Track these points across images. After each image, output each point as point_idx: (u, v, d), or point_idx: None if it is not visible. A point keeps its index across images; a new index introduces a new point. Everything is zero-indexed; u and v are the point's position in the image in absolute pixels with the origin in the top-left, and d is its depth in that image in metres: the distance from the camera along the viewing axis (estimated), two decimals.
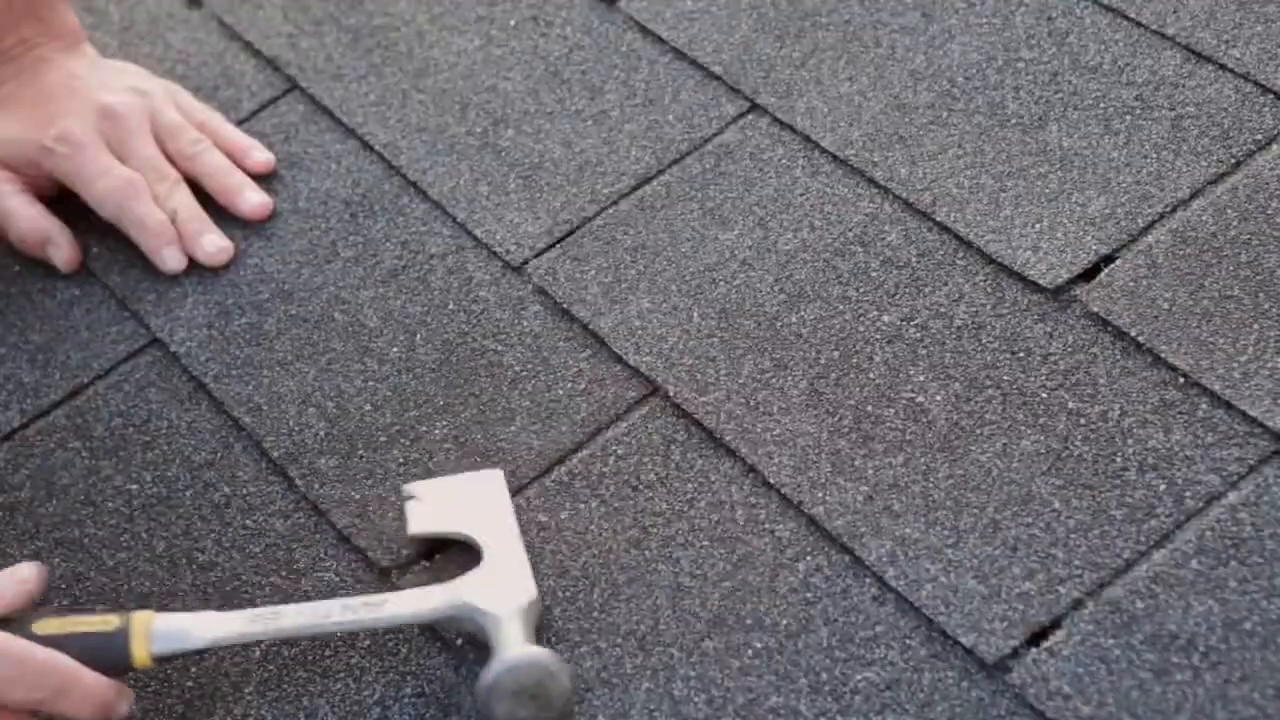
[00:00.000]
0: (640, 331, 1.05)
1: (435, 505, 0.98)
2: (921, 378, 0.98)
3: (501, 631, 0.90)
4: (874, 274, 1.04)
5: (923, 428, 0.96)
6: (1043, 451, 0.94)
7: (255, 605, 0.96)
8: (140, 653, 0.90)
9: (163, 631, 0.91)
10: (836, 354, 1.00)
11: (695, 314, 1.04)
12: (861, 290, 1.03)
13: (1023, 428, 0.95)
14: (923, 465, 0.95)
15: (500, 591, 0.92)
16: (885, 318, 1.02)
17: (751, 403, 0.99)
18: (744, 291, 1.05)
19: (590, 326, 1.06)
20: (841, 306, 1.03)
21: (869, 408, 0.98)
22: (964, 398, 0.97)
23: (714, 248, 1.08)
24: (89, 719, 0.88)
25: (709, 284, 1.06)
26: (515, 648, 0.88)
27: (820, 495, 0.94)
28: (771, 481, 0.96)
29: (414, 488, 0.99)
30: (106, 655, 0.90)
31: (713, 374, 1.01)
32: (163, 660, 0.91)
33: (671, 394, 1.01)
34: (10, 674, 0.87)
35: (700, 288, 1.06)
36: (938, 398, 0.97)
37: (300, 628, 0.92)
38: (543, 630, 0.93)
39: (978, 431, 0.95)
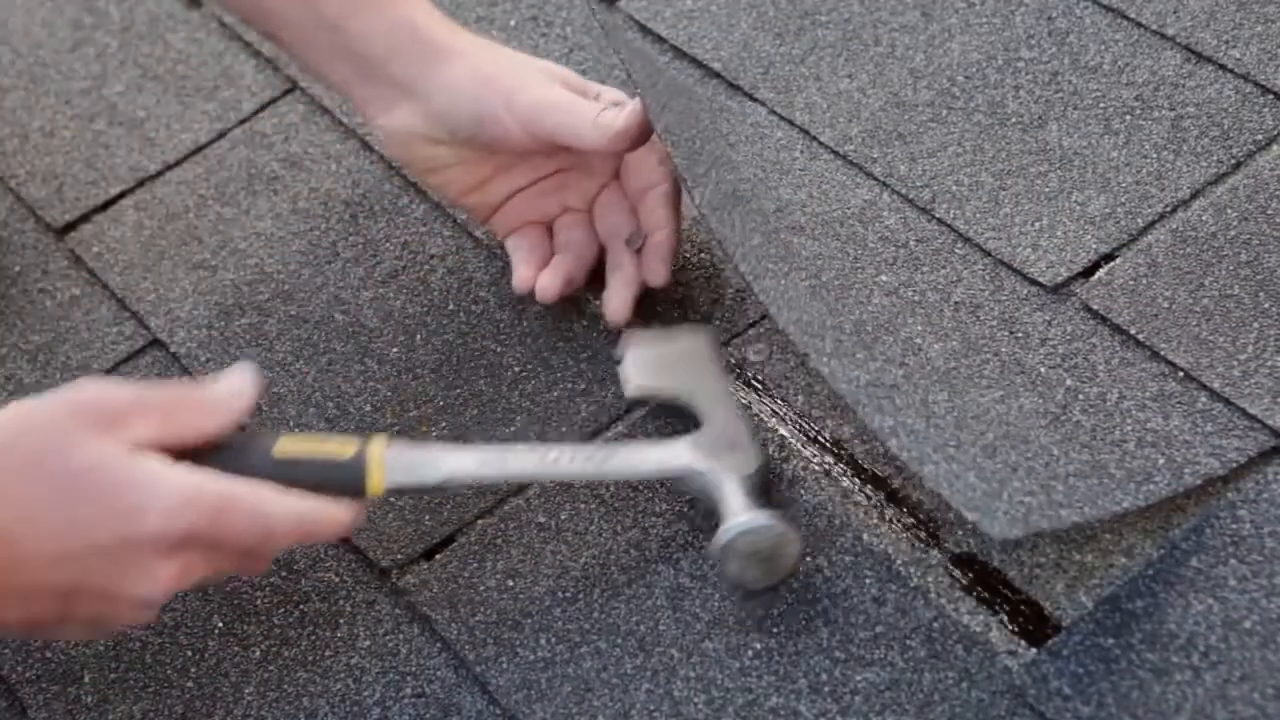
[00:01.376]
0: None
1: (648, 365, 1.00)
2: (919, 328, 0.98)
3: (732, 494, 0.92)
4: (871, 245, 1.04)
5: (921, 361, 0.96)
6: (1040, 411, 0.94)
7: (256, 604, 0.97)
8: (375, 482, 0.91)
9: (396, 463, 0.91)
10: (836, 283, 1.00)
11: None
12: (859, 253, 1.03)
13: (1020, 390, 0.95)
14: (921, 385, 0.94)
15: (728, 455, 0.94)
16: (882, 277, 1.02)
17: (761, 253, 0.98)
18: (747, 192, 1.04)
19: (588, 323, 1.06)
20: (839, 257, 1.03)
21: (869, 328, 0.97)
22: (961, 354, 0.97)
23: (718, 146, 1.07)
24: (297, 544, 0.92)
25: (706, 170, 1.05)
26: (749, 512, 0.90)
27: (825, 360, 0.91)
28: (780, 326, 0.93)
29: (623, 349, 1.01)
30: (342, 482, 0.90)
31: None
32: (396, 492, 0.92)
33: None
34: (240, 527, 0.86)
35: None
36: (935, 347, 0.97)
37: (527, 472, 0.94)
38: (769, 491, 0.95)
39: (975, 381, 0.95)
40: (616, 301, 1.04)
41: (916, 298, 1.00)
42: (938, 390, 0.93)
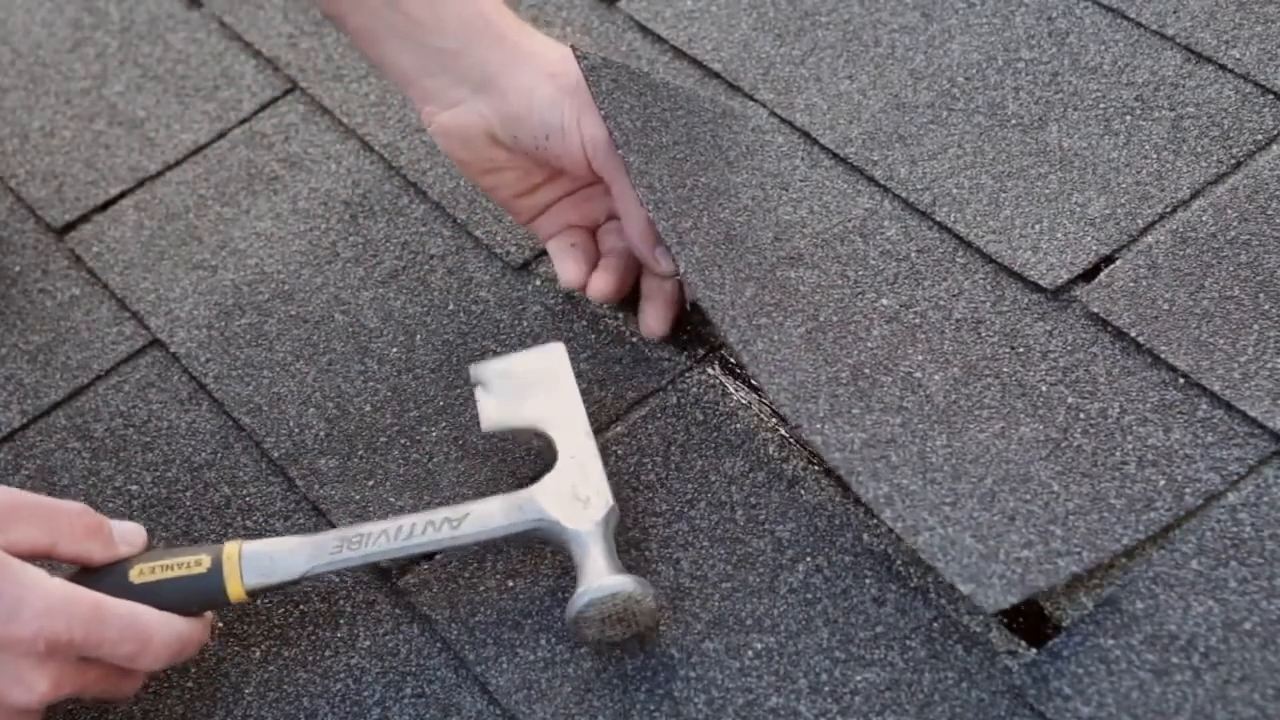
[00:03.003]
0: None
1: (503, 394, 0.99)
2: (920, 358, 0.98)
3: (583, 550, 0.91)
4: (873, 262, 1.04)
5: (920, 399, 0.96)
6: (1041, 439, 0.94)
7: (256, 605, 0.97)
8: (235, 589, 0.91)
9: (253, 565, 0.91)
10: (835, 319, 1.00)
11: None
12: (860, 273, 1.03)
13: (1021, 415, 0.95)
14: (920, 430, 0.94)
15: (578, 505, 0.92)
16: (884, 300, 1.02)
17: (754, 322, 0.98)
18: (744, 230, 1.04)
19: (593, 322, 1.06)
20: (840, 282, 1.02)
21: (866, 371, 0.97)
22: (962, 381, 0.97)
23: (716, 174, 1.07)
24: (169, 663, 0.89)
25: (704, 211, 1.05)
26: (598, 577, 0.89)
27: (818, 427, 0.93)
28: (772, 405, 0.94)
29: (480, 371, 1.00)
30: (203, 595, 0.91)
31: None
32: (259, 593, 0.92)
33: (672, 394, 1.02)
34: (114, 636, 0.86)
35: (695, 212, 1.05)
36: (936, 377, 0.97)
37: (386, 551, 0.92)
38: (620, 531, 0.94)
39: (976, 413, 0.95)
40: (655, 320, 1.04)
41: (917, 320, 1.00)
42: (937, 433, 0.93)
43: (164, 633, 0.87)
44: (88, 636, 0.85)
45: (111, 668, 0.87)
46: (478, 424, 1.02)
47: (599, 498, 0.93)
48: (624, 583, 0.89)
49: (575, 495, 0.93)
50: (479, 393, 0.99)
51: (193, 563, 0.91)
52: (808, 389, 0.94)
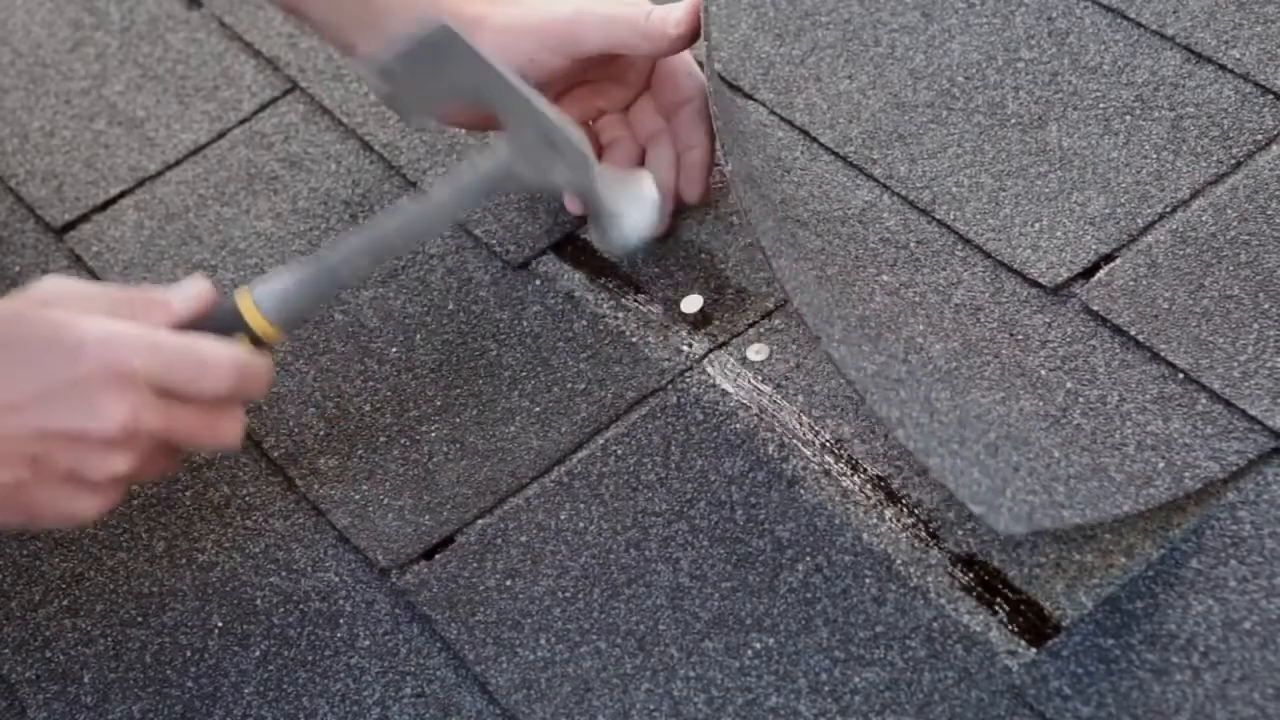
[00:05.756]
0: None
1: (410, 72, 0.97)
2: (921, 328, 0.98)
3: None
4: (872, 245, 1.04)
5: (923, 359, 0.96)
6: (1040, 414, 0.94)
7: (256, 604, 0.97)
8: (260, 324, 0.94)
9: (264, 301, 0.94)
10: (839, 279, 1.00)
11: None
12: (861, 252, 1.03)
13: (1021, 393, 0.95)
14: (924, 383, 0.94)
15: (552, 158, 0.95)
16: (884, 277, 1.02)
17: (770, 236, 0.98)
18: (755, 178, 1.04)
19: (593, 323, 1.06)
20: (841, 255, 1.02)
21: (872, 323, 0.97)
22: (962, 354, 0.97)
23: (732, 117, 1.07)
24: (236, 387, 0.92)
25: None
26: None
27: (835, 344, 0.92)
28: (794, 304, 0.93)
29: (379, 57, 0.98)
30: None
31: None
32: (285, 324, 0.95)
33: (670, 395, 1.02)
34: (172, 359, 0.90)
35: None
36: (937, 347, 0.97)
37: (381, 233, 0.95)
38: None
39: (976, 382, 0.95)
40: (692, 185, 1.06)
41: (917, 299, 1.00)
42: (940, 389, 0.93)
43: (221, 353, 0.91)
44: (148, 361, 0.89)
45: (192, 405, 0.91)
46: (478, 424, 1.02)
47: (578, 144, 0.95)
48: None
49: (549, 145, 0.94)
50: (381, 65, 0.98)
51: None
52: (824, 314, 0.94)
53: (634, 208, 0.97)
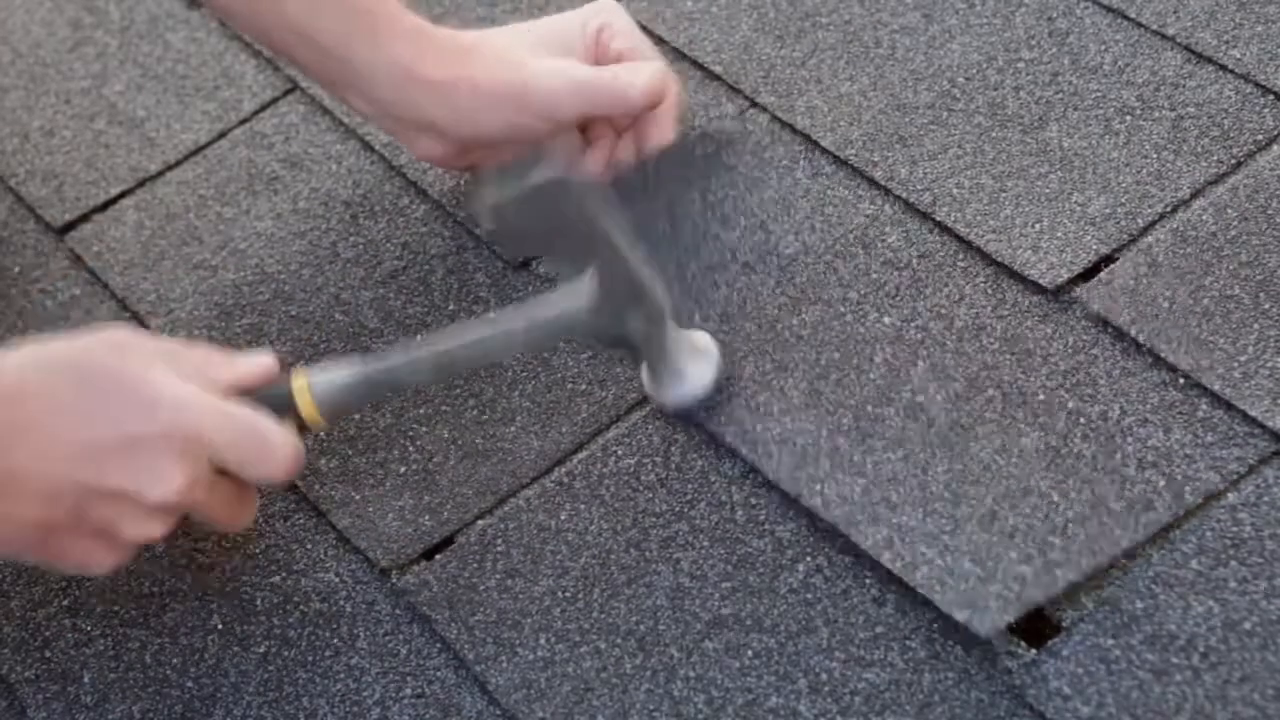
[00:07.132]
0: None
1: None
2: (922, 378, 0.98)
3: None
4: (874, 275, 1.04)
5: (922, 426, 0.96)
6: (1041, 449, 0.94)
7: (256, 604, 0.97)
8: (309, 411, 0.94)
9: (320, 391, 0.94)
10: (837, 355, 1.00)
11: (697, 317, 1.04)
12: (863, 292, 1.03)
13: (1022, 425, 0.95)
14: (921, 460, 0.94)
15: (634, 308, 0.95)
16: (886, 319, 1.02)
17: (752, 404, 0.99)
18: (745, 294, 1.05)
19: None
20: (843, 309, 1.03)
21: (869, 408, 0.97)
22: (964, 397, 0.97)
23: (716, 247, 1.07)
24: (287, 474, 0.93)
25: (710, 286, 1.06)
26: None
27: (818, 489, 0.94)
28: (771, 479, 0.96)
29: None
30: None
31: None
32: (332, 416, 0.95)
33: None
34: (239, 436, 0.90)
35: (702, 290, 1.06)
36: (938, 397, 0.97)
37: (439, 351, 0.96)
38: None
39: (977, 429, 0.95)
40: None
41: (920, 335, 1.00)
42: (938, 460, 0.94)
43: (285, 441, 0.91)
44: (216, 433, 0.89)
45: (235, 483, 0.91)
46: (478, 424, 1.02)
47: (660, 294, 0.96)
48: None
49: (633, 296, 0.95)
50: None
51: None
52: (809, 454, 0.95)
53: (696, 366, 0.98)
